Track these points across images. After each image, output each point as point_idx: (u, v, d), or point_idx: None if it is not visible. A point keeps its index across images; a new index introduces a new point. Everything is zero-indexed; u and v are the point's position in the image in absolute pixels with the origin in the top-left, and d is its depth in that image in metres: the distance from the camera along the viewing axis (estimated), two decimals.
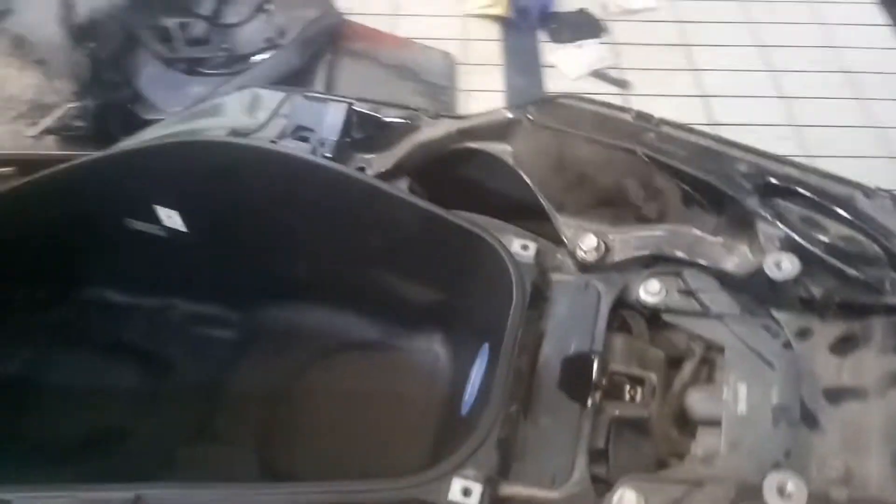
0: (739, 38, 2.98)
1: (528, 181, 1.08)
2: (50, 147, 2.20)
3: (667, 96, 2.78)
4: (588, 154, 1.08)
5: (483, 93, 2.78)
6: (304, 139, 1.12)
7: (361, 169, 1.13)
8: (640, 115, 1.14)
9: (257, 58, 2.43)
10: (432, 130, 1.13)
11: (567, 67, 2.87)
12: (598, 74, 2.84)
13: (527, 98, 2.71)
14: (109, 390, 1.26)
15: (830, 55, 2.93)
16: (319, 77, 2.48)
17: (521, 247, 1.01)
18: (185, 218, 1.15)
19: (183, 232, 1.16)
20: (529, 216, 1.13)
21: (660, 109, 2.65)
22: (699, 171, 1.00)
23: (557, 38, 2.99)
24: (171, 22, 2.36)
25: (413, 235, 1.07)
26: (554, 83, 2.81)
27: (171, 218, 1.14)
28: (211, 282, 1.29)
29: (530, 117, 1.12)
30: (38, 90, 2.34)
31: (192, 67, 2.35)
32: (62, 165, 1.15)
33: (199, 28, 2.40)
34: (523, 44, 2.98)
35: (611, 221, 1.06)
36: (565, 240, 1.05)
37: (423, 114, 1.14)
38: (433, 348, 1.18)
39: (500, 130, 1.13)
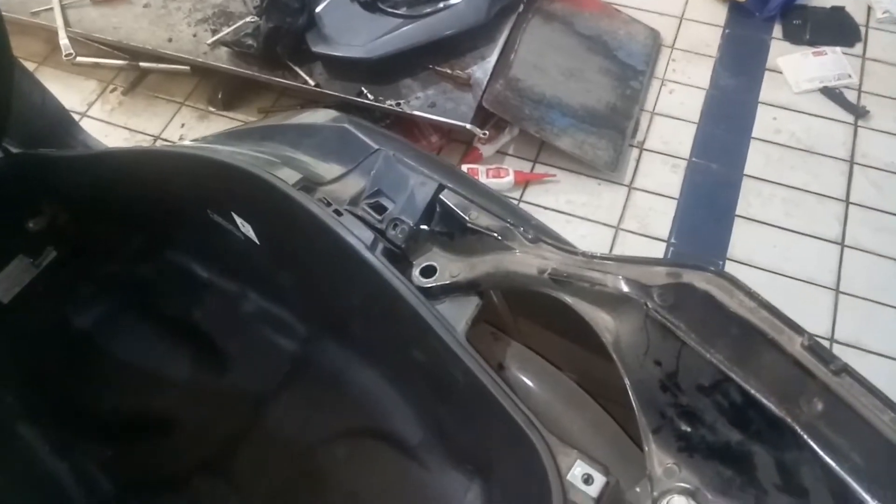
0: None
1: (625, 379, 0.74)
2: (220, 58, 2.22)
3: None
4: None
5: (682, 87, 2.41)
6: (380, 209, 0.94)
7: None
8: (815, 349, 0.64)
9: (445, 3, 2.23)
10: (524, 261, 0.85)
11: (794, 76, 2.39)
12: (830, 93, 2.34)
13: (730, 102, 2.36)
14: (163, 373, 1.24)
15: None
16: (502, 33, 2.26)
17: (582, 477, 0.72)
18: (257, 233, 1.05)
19: (256, 242, 1.07)
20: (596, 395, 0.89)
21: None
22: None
23: (794, 37, 2.49)
24: None
25: (456, 389, 0.86)
26: (772, 92, 2.37)
27: (245, 227, 1.05)
28: (282, 290, 1.21)
29: (652, 309, 0.72)
30: None
31: (375, 3, 2.22)
32: (161, 148, 1.09)
33: None
34: (750, 36, 2.52)
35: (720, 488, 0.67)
36: (650, 479, 0.70)
37: (519, 233, 0.87)
38: (466, 496, 0.99)
39: (607, 300, 0.77)
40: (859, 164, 2.20)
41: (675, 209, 2.14)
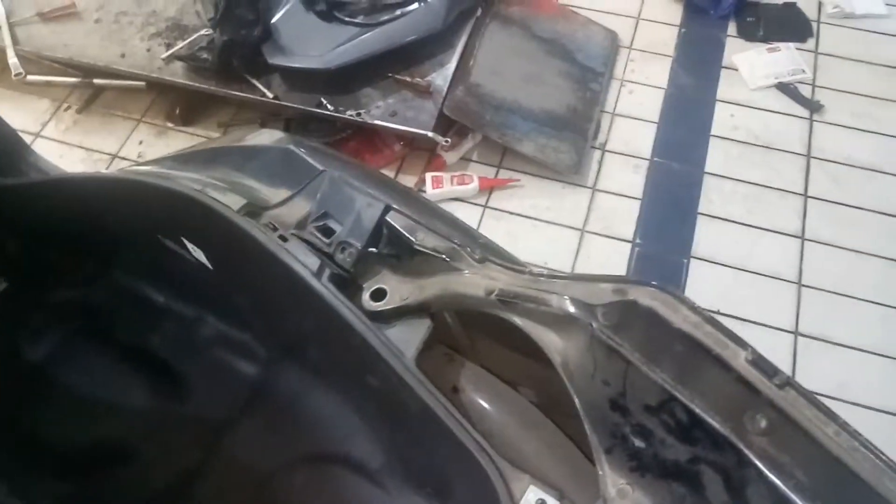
0: None
1: (575, 400, 0.74)
2: (176, 73, 2.18)
3: (867, 133, 2.28)
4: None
5: (641, 87, 2.42)
6: (328, 231, 0.92)
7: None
8: (758, 364, 0.64)
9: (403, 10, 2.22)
10: (471, 282, 0.84)
11: (750, 73, 2.42)
12: (785, 88, 2.38)
13: (689, 101, 2.38)
14: (120, 401, 1.22)
15: None
16: (461, 39, 2.25)
17: (536, 503, 0.72)
18: (210, 259, 1.03)
19: (208, 267, 1.05)
20: (554, 411, 0.88)
21: (853, 149, 2.26)
22: None
23: (748, 34, 2.52)
24: None
25: (409, 415, 0.85)
26: (728, 89, 2.40)
27: (196, 252, 1.03)
28: (239, 313, 1.19)
29: (597, 329, 0.71)
30: (180, 10, 2.32)
31: (331, 12, 2.21)
32: (110, 174, 1.06)
33: None
34: (706, 35, 2.55)
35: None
36: (604, 501, 0.69)
37: (466, 254, 0.85)
38: None
39: (554, 320, 0.76)
40: (816, 158, 2.23)
41: (639, 209, 2.15)
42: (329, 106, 2.11)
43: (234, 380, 1.17)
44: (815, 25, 2.53)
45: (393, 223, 0.91)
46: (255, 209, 0.94)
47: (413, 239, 0.89)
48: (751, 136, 2.29)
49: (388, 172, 2.22)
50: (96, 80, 2.33)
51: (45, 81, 2.32)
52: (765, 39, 2.49)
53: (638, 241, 2.09)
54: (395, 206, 0.91)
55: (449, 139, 2.13)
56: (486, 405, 0.95)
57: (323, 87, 2.14)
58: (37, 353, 1.24)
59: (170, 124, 2.36)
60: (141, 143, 2.32)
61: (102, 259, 1.27)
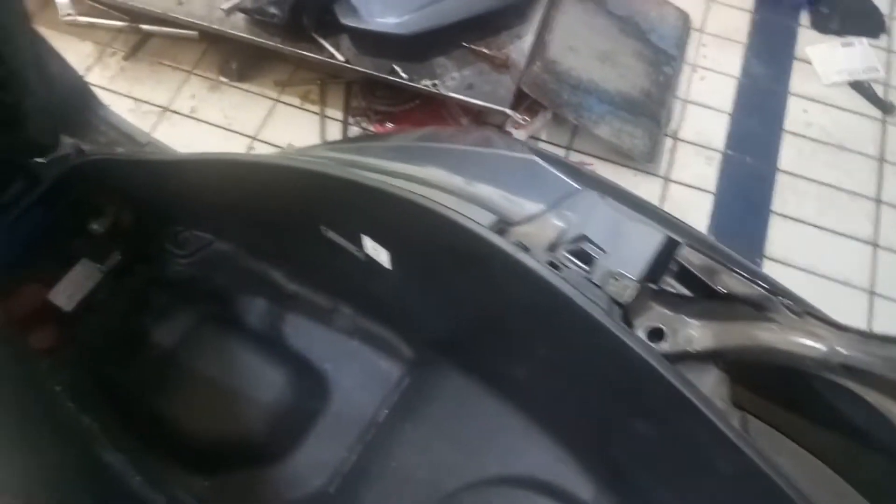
0: None
1: None
2: (237, 26, 2.05)
3: None
4: None
5: (713, 74, 2.35)
6: (584, 257, 0.82)
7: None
8: None
9: None
10: (795, 339, 0.74)
11: (823, 67, 2.36)
12: (859, 87, 2.33)
13: (762, 93, 2.33)
14: (258, 393, 1.13)
15: None
16: (538, 11, 2.15)
17: None
18: (395, 261, 0.94)
19: (382, 265, 0.96)
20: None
21: None
22: None
23: (822, 26, 2.45)
24: None
25: (711, 470, 0.73)
26: (801, 83, 2.34)
27: (376, 251, 0.94)
28: (391, 309, 1.10)
29: None
30: None
31: None
32: (294, 162, 0.95)
33: None
34: (778, 24, 2.47)
35: None
36: None
37: (785, 306, 0.76)
38: None
39: None
40: (889, 163, 2.20)
41: (713, 204, 2.10)
42: (403, 73, 2.00)
43: (380, 379, 1.09)
44: (887, 21, 2.47)
45: (684, 262, 0.82)
46: (502, 226, 0.85)
47: (710, 282, 0.80)
48: (824, 133, 2.25)
49: None
50: (144, 27, 2.18)
51: (89, 23, 2.16)
52: (839, 32, 2.43)
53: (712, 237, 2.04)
54: (682, 240, 0.82)
55: (527, 118, 2.04)
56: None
57: (396, 52, 2.02)
58: (166, 336, 1.15)
59: (223, 79, 2.22)
60: (193, 97, 2.19)
61: (234, 242, 1.17)
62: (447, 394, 1.05)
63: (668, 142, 2.21)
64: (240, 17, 2.05)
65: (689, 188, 2.13)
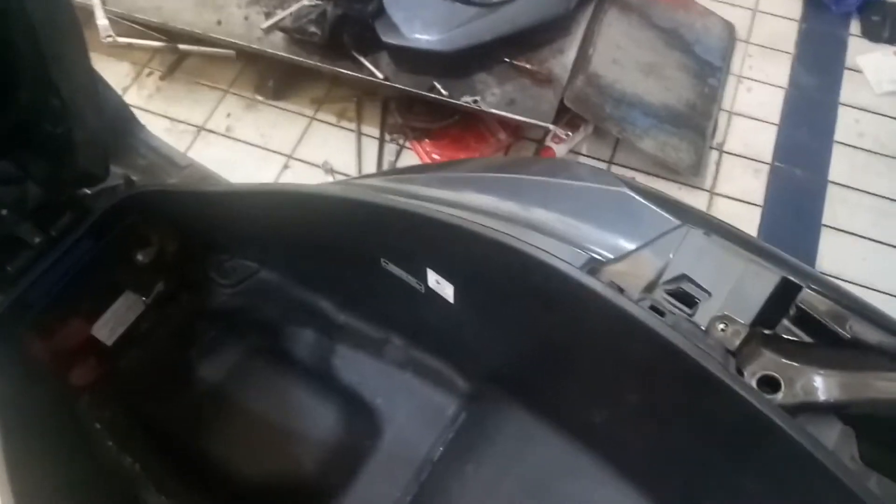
0: None
1: None
2: (275, 45, 2.03)
3: None
4: None
5: (760, 85, 2.29)
6: (685, 298, 0.75)
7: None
8: None
9: None
10: None
11: (875, 76, 2.29)
12: None
13: (811, 103, 2.27)
14: (307, 429, 1.09)
15: None
16: (581, 25, 2.10)
17: None
18: (460, 296, 0.90)
19: (444, 299, 0.92)
20: None
21: None
22: None
23: (873, 34, 2.38)
24: None
25: None
26: (853, 93, 2.26)
27: (440, 285, 0.90)
28: (446, 340, 1.06)
29: None
30: None
31: None
32: (358, 194, 0.91)
33: None
34: (827, 32, 2.40)
35: None
36: None
37: None
38: None
39: None
40: None
41: (761, 217, 2.04)
42: (443, 91, 1.96)
43: (435, 414, 1.05)
44: None
45: (806, 308, 0.75)
46: (595, 265, 0.79)
47: (839, 329, 0.73)
48: (877, 144, 2.17)
49: None
50: (182, 46, 2.17)
51: (129, 44, 2.16)
52: (890, 41, 2.35)
53: None
54: (799, 281, 0.75)
55: (569, 133, 2.00)
56: None
57: (435, 69, 1.99)
58: (211, 370, 1.12)
59: (259, 97, 2.21)
60: (229, 115, 2.18)
61: (280, 272, 1.14)
62: (509, 432, 1.00)
63: (714, 154, 2.15)
64: (278, 36, 2.04)
65: (736, 201, 2.06)
